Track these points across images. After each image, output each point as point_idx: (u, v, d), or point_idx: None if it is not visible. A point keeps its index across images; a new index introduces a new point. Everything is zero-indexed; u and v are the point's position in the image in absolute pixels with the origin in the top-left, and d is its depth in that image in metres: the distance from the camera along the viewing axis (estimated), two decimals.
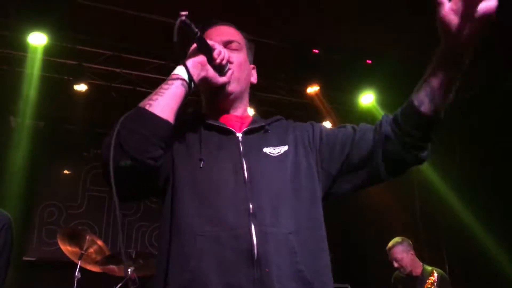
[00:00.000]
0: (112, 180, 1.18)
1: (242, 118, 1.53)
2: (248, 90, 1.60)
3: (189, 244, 1.25)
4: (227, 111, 1.51)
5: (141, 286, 4.67)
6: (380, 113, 6.06)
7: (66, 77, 5.12)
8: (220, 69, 1.40)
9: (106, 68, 5.20)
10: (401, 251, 4.20)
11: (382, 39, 4.81)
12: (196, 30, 1.34)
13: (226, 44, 1.50)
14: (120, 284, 4.25)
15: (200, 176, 1.33)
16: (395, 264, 4.21)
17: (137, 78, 5.37)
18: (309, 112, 6.00)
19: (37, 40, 4.61)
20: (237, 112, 1.54)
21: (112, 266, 4.48)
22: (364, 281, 5.91)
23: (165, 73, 5.28)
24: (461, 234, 4.89)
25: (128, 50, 5.12)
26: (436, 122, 1.29)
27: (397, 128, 1.33)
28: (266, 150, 1.42)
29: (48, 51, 4.84)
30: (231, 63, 1.45)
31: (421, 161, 1.36)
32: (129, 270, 4.21)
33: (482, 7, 1.08)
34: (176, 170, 1.35)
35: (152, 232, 6.43)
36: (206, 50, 1.37)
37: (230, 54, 1.46)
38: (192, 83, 1.34)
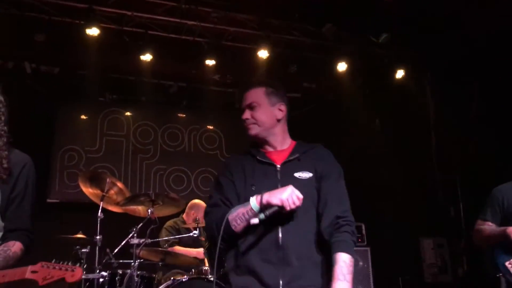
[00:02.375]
0: (217, 251, 1.98)
1: (282, 151, 2.23)
2: (277, 126, 2.26)
3: (242, 240, 2.07)
4: (272, 147, 2.26)
5: (160, 225, 4.85)
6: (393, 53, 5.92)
7: (77, 21, 5.07)
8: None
9: (117, 11, 5.12)
10: None
11: None
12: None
13: (249, 107, 2.24)
14: (141, 224, 4.42)
15: (251, 196, 2.04)
16: None
17: (149, 21, 5.29)
18: (323, 53, 5.90)
19: None
20: (277, 147, 2.25)
21: (132, 207, 4.64)
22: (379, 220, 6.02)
23: (178, 16, 5.21)
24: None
25: None
26: None
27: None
28: (296, 174, 2.13)
29: None
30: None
31: None
32: (149, 211, 4.37)
33: None
34: (238, 193, 2.13)
35: (169, 175, 6.58)
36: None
37: (249, 115, 2.22)
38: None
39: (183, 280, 4.18)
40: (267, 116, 2.23)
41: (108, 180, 4.62)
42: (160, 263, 4.69)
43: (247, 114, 2.22)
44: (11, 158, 2.04)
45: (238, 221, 2.01)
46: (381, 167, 6.07)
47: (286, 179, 2.08)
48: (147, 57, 5.61)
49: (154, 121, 6.72)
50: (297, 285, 1.99)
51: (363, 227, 5.76)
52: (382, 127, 6.44)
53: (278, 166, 2.15)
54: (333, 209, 2.09)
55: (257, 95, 2.25)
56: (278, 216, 1.98)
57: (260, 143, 2.25)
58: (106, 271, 4.46)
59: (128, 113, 6.66)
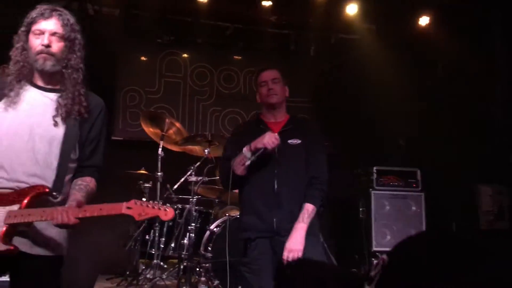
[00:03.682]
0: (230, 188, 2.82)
1: (279, 122, 2.94)
2: (284, 101, 3.00)
3: (249, 189, 2.83)
4: (273, 118, 2.97)
5: (216, 165, 5.05)
6: None
7: None
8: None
9: None
10: None
11: None
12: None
13: (272, 79, 2.91)
14: (198, 163, 4.63)
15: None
16: None
17: None
18: None
19: None
20: (277, 119, 2.97)
21: (190, 146, 4.84)
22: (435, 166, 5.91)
23: None
24: None
25: None
26: None
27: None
28: (289, 141, 2.82)
29: None
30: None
31: None
32: (205, 150, 4.54)
33: None
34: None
35: (225, 116, 6.72)
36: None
37: (273, 86, 2.89)
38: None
39: (238, 216, 4.39)
40: (283, 91, 2.95)
41: (167, 120, 4.82)
42: (217, 200, 4.93)
43: (271, 85, 2.88)
44: (90, 100, 2.20)
45: (238, 166, 2.73)
46: (438, 111, 5.89)
47: (282, 144, 2.75)
48: None
49: (211, 63, 6.80)
50: (286, 223, 2.70)
51: (418, 173, 5.69)
52: (443, 66, 6.14)
53: (276, 134, 2.82)
54: (312, 170, 2.82)
55: (276, 74, 2.94)
56: (273, 169, 2.75)
57: (268, 110, 2.95)
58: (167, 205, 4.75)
59: (185, 55, 6.76)
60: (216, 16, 6.32)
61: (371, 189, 5.57)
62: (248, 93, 6.83)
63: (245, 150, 2.70)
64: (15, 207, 1.92)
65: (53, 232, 2.03)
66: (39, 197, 1.96)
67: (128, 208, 1.84)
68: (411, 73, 6.15)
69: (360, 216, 5.57)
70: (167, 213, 1.85)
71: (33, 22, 2.11)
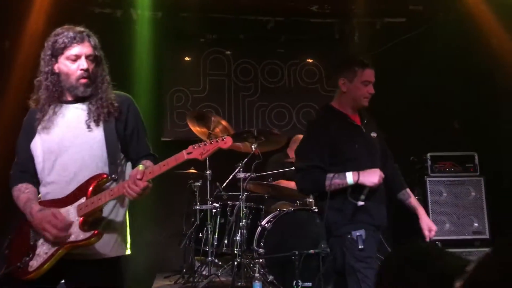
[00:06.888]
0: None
1: (356, 115, 2.87)
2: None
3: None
4: (351, 111, 2.87)
5: (264, 161, 5.02)
6: None
7: None
8: None
9: None
10: None
11: None
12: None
13: (372, 83, 2.79)
14: (246, 159, 4.63)
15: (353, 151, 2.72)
16: None
17: None
18: None
19: None
20: (354, 111, 2.88)
21: (237, 144, 4.85)
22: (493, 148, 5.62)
23: None
24: None
25: None
26: None
27: None
28: (371, 134, 2.84)
29: None
30: None
31: None
32: (252, 146, 4.54)
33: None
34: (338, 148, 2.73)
35: (271, 111, 6.68)
36: None
37: (372, 90, 2.81)
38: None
39: (289, 211, 4.36)
40: None
41: (213, 119, 4.86)
42: (266, 196, 4.92)
43: (372, 89, 2.78)
44: (117, 99, 2.25)
45: (332, 187, 2.56)
46: (492, 93, 5.58)
47: (369, 135, 2.82)
48: None
49: (254, 59, 6.78)
50: (386, 217, 2.83)
51: (476, 157, 5.44)
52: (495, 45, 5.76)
53: (361, 126, 2.83)
54: (392, 160, 3.00)
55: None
56: (375, 166, 2.66)
57: (350, 105, 2.84)
58: (217, 203, 4.81)
59: (228, 52, 6.78)
60: (256, 11, 6.28)
61: (426, 176, 5.37)
62: (293, 85, 6.76)
63: (350, 179, 2.54)
64: (82, 200, 1.97)
65: (111, 233, 2.10)
66: (101, 183, 2.02)
67: (189, 153, 1.87)
68: (463, 54, 5.85)
69: None
70: (225, 141, 1.91)
71: (65, 47, 2.10)
